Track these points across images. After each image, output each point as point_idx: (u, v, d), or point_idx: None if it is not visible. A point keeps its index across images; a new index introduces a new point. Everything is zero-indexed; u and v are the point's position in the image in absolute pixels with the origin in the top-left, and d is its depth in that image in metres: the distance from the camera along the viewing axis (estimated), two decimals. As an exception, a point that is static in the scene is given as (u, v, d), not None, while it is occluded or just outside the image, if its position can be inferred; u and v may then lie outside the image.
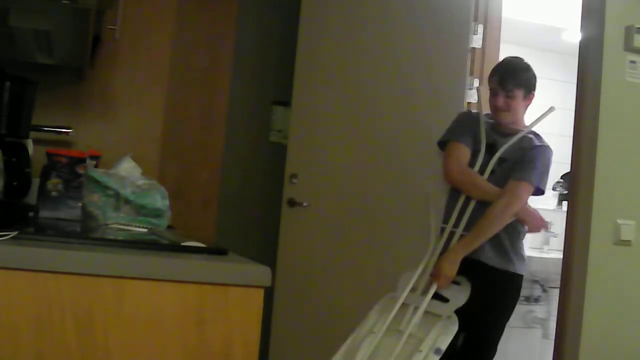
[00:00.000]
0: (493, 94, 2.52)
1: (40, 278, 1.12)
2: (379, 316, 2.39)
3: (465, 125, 2.58)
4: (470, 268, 2.40)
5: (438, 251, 2.43)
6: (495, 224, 2.38)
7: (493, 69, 2.59)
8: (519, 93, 2.48)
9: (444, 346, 2.21)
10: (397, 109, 3.00)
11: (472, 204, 2.46)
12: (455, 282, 2.39)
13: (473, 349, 2.46)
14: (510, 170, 2.44)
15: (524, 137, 2.50)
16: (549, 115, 2.53)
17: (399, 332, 2.31)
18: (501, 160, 2.48)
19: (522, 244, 2.54)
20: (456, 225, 2.45)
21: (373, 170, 3.00)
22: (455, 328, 2.25)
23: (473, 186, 2.46)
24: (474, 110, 2.73)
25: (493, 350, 2.51)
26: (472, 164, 2.51)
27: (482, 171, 2.49)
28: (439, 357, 2.20)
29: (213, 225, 3.21)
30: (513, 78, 2.48)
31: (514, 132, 2.51)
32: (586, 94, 2.57)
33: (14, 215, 1.77)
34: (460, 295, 2.34)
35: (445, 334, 2.23)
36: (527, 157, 2.45)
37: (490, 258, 2.44)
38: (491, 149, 2.50)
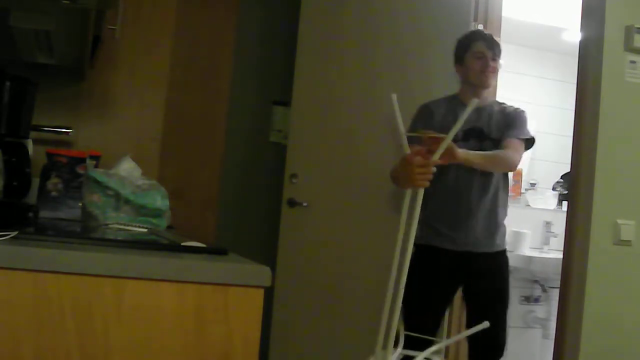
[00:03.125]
0: (478, 57, 2.52)
1: (40, 278, 1.12)
2: None
3: (417, 120, 2.56)
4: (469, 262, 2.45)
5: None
6: (495, 162, 2.41)
7: (470, 36, 2.60)
8: (499, 61, 2.55)
9: None
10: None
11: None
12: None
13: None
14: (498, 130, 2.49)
15: (489, 105, 2.56)
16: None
17: None
18: (472, 130, 2.49)
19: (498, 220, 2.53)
20: None
21: (373, 170, 2.99)
22: None
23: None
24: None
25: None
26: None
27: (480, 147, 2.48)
28: None
29: (213, 225, 3.21)
30: (497, 46, 2.54)
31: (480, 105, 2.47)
32: (586, 94, 2.58)
33: (14, 215, 1.77)
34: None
35: None
36: (513, 118, 2.52)
37: (484, 245, 2.48)
38: (473, 133, 2.51)
